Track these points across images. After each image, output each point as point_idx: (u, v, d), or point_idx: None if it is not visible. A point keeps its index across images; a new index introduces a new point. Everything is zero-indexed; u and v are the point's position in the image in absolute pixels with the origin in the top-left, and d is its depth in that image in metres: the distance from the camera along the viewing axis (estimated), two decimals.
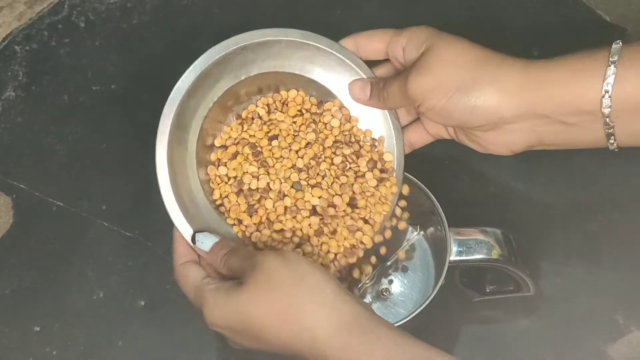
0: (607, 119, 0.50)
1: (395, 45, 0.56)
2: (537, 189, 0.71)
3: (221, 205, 0.58)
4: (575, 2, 0.79)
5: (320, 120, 0.59)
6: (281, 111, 0.60)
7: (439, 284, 0.58)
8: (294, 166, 0.58)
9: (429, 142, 0.60)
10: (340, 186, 0.58)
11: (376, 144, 0.60)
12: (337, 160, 0.58)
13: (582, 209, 0.71)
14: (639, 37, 0.77)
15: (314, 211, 0.57)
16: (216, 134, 0.59)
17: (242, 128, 0.59)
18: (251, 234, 0.57)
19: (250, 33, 0.57)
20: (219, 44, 0.56)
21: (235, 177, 0.58)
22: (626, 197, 0.71)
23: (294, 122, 0.59)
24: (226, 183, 0.58)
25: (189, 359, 0.67)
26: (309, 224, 0.57)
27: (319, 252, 0.57)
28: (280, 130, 0.59)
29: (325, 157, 0.59)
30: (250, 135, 0.59)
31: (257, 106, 0.60)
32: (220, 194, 0.58)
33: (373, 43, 0.58)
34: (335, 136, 0.59)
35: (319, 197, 0.58)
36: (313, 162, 0.58)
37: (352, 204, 0.58)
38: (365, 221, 0.58)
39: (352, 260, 0.58)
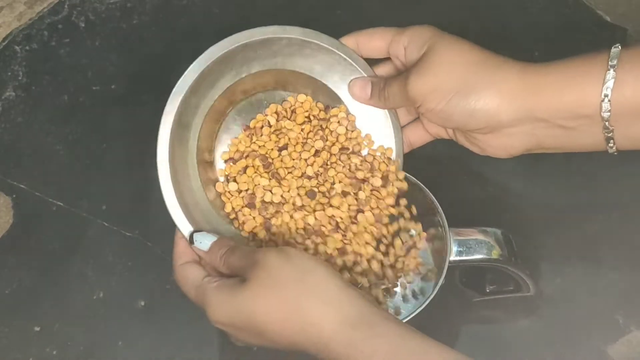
0: (607, 123, 0.50)
1: (397, 45, 0.56)
2: (537, 189, 0.71)
3: (235, 218, 0.58)
4: (576, 2, 0.79)
5: (327, 127, 0.59)
6: (289, 118, 0.60)
7: (439, 284, 0.58)
8: (303, 174, 0.58)
9: (428, 141, 0.61)
10: (356, 200, 0.58)
11: (390, 160, 0.59)
12: (345, 169, 0.58)
13: (582, 209, 0.71)
14: (639, 37, 0.77)
15: (336, 227, 0.57)
16: (215, 135, 0.59)
17: (251, 139, 0.59)
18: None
19: (251, 31, 0.57)
20: (220, 42, 0.56)
21: (246, 190, 0.58)
22: (626, 197, 0.71)
23: (302, 130, 0.59)
24: (237, 196, 0.58)
25: (188, 359, 0.67)
26: (333, 243, 0.57)
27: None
28: (289, 139, 0.59)
29: (331, 163, 0.59)
30: (259, 146, 0.59)
31: (266, 115, 0.60)
32: (233, 207, 0.58)
33: (374, 41, 0.58)
34: (342, 143, 0.59)
35: (336, 214, 0.57)
36: (322, 170, 0.58)
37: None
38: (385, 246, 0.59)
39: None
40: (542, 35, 0.78)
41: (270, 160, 0.58)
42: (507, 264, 0.60)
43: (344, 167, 0.59)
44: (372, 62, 0.59)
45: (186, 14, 0.82)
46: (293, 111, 0.60)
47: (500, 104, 0.52)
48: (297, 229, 0.57)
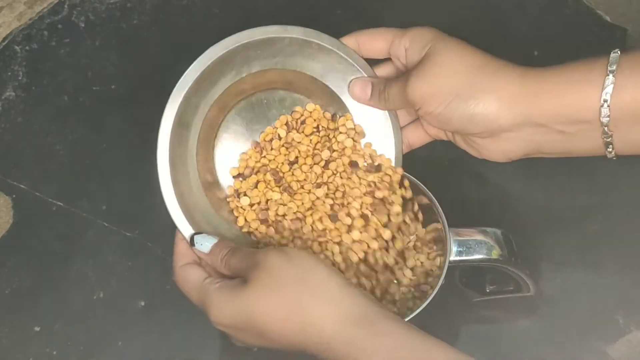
0: (606, 128, 0.50)
1: (398, 46, 0.56)
2: (537, 189, 0.71)
3: (250, 233, 0.58)
4: (576, 2, 0.79)
5: (334, 137, 0.59)
6: (298, 130, 0.60)
7: (439, 284, 0.58)
8: (315, 184, 0.58)
9: (427, 142, 0.61)
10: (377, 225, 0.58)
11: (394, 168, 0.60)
12: (362, 189, 0.58)
13: (582, 209, 0.71)
14: (639, 37, 0.77)
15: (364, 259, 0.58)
16: (215, 135, 0.59)
17: (261, 154, 0.59)
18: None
19: (253, 30, 0.57)
20: (221, 42, 0.56)
21: (258, 203, 0.58)
22: (626, 197, 0.71)
23: (310, 141, 0.59)
24: (250, 210, 0.58)
25: (188, 359, 0.67)
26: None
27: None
28: (299, 152, 0.59)
29: (340, 172, 0.59)
30: (269, 161, 0.59)
31: (276, 127, 0.60)
32: (247, 220, 0.58)
33: (375, 42, 0.58)
34: (349, 156, 0.59)
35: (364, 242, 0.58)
36: (332, 179, 0.58)
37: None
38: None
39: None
40: (542, 35, 0.78)
41: (281, 175, 0.59)
42: (507, 264, 0.60)
43: (360, 184, 0.58)
44: (372, 62, 0.59)
45: (186, 14, 0.82)
46: (302, 122, 0.60)
47: (499, 108, 0.52)
48: (321, 243, 0.57)
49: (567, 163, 0.71)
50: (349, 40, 0.59)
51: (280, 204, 0.58)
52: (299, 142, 0.59)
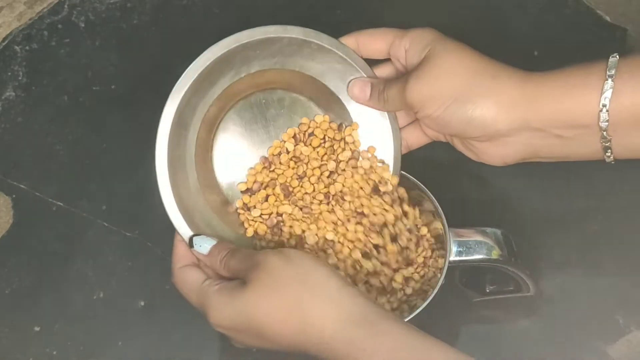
0: (605, 133, 0.50)
1: (398, 47, 0.56)
2: (537, 189, 0.71)
3: (261, 241, 0.59)
4: (576, 2, 0.79)
5: (339, 147, 0.60)
6: (305, 143, 0.60)
7: (439, 284, 0.58)
8: (325, 195, 0.59)
9: (426, 143, 0.61)
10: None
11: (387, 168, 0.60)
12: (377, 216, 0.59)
13: (582, 209, 0.71)
14: (639, 37, 0.77)
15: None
16: (213, 134, 0.59)
17: (269, 169, 0.59)
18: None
19: (252, 30, 0.57)
20: (220, 42, 0.56)
21: (269, 214, 0.59)
22: (626, 197, 0.71)
23: (318, 153, 0.60)
24: (260, 222, 0.59)
25: (188, 359, 0.67)
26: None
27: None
28: (306, 165, 0.59)
29: (357, 193, 0.59)
30: (278, 175, 0.59)
31: (284, 141, 0.60)
32: (257, 232, 0.58)
33: (375, 42, 0.58)
34: (367, 180, 0.60)
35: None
36: (339, 195, 0.59)
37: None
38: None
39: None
40: (542, 35, 0.78)
41: (291, 189, 0.59)
42: (507, 264, 0.60)
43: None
44: (371, 62, 0.59)
45: (186, 14, 0.82)
46: (310, 134, 0.60)
47: (497, 113, 0.52)
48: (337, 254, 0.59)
49: (567, 164, 0.71)
50: (349, 40, 0.58)
51: (294, 220, 0.58)
52: (307, 156, 0.59)
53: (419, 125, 0.60)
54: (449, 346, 0.47)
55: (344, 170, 0.59)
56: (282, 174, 0.59)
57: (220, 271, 0.53)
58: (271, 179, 0.59)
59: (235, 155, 0.60)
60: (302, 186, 0.59)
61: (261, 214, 0.58)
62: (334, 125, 0.60)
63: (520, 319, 0.67)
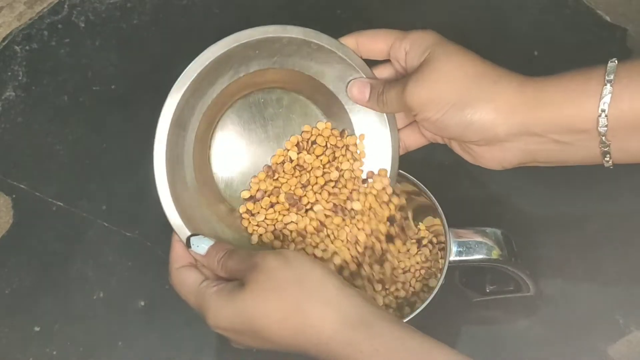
0: (603, 138, 0.50)
1: (399, 49, 0.56)
2: (537, 189, 0.71)
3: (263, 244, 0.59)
4: (576, 2, 0.79)
5: (341, 154, 0.60)
6: (308, 151, 0.60)
7: (439, 284, 0.58)
8: (335, 206, 0.59)
9: (423, 144, 0.61)
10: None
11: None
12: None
13: (582, 209, 0.71)
14: (639, 37, 0.77)
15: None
16: (210, 133, 0.59)
17: (272, 177, 0.59)
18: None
19: (252, 30, 0.56)
20: (220, 41, 0.56)
21: (275, 222, 0.59)
22: (627, 197, 0.71)
23: (321, 161, 0.60)
24: (266, 230, 0.59)
25: (188, 359, 0.67)
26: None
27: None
28: (310, 174, 0.59)
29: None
30: (282, 184, 0.59)
31: (287, 149, 0.60)
32: (260, 236, 0.59)
33: (375, 43, 0.58)
34: (387, 210, 0.60)
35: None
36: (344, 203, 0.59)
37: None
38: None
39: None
40: (542, 35, 0.78)
41: (296, 198, 0.59)
42: (507, 264, 0.60)
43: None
44: (371, 63, 0.59)
45: (186, 14, 0.82)
46: (313, 142, 0.60)
47: (496, 118, 0.52)
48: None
49: None
50: (349, 40, 0.58)
51: (305, 235, 0.59)
52: (309, 164, 0.59)
53: (417, 127, 0.60)
54: (448, 347, 0.47)
55: (347, 180, 0.60)
56: (286, 182, 0.59)
57: (217, 272, 0.53)
58: (275, 187, 0.59)
59: (233, 155, 0.60)
60: (306, 195, 0.59)
61: (265, 217, 0.59)
62: (336, 132, 0.60)
63: (520, 319, 0.67)
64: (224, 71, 0.57)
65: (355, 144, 0.60)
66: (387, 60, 0.59)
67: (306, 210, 0.59)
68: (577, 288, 0.68)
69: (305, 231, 0.58)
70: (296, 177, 0.59)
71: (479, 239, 0.59)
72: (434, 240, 0.63)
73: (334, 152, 0.60)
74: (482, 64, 0.53)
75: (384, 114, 0.59)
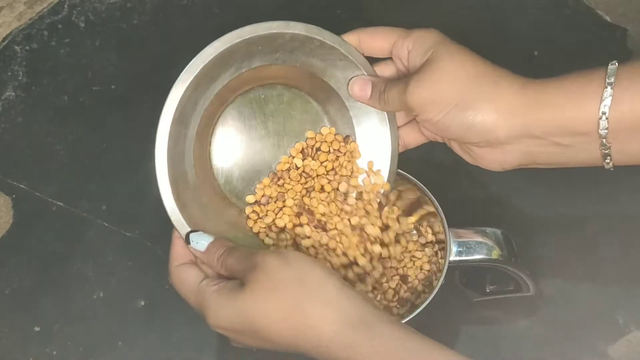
0: (604, 140, 0.50)
1: (401, 47, 0.56)
2: (537, 189, 0.71)
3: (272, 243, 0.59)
4: (576, 2, 0.79)
5: (345, 160, 0.60)
6: (313, 158, 0.60)
7: (439, 284, 0.58)
8: (340, 210, 0.59)
9: (423, 142, 0.61)
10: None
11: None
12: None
13: (582, 209, 0.71)
14: (639, 37, 0.77)
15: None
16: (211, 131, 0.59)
17: (277, 183, 0.59)
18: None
19: (255, 26, 0.56)
20: (223, 37, 0.56)
21: (284, 228, 0.59)
22: (627, 197, 0.71)
23: (325, 167, 0.60)
24: (278, 240, 0.59)
25: (188, 359, 0.67)
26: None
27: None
28: (315, 180, 0.59)
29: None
30: (287, 190, 0.59)
31: (292, 156, 0.60)
32: (268, 236, 0.59)
33: (377, 41, 0.58)
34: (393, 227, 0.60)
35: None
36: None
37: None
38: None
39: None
40: (542, 35, 0.78)
41: (307, 208, 0.59)
42: (507, 264, 0.60)
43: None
44: (372, 60, 0.59)
45: (186, 14, 0.82)
46: (317, 149, 0.60)
47: (496, 119, 0.52)
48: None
49: None
50: (351, 37, 0.58)
51: (319, 246, 0.59)
52: (314, 170, 0.59)
53: (416, 125, 0.60)
54: (447, 348, 0.47)
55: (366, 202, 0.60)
56: (292, 189, 0.59)
57: (217, 269, 0.53)
58: (279, 192, 0.59)
59: (233, 150, 0.60)
60: (311, 202, 0.59)
61: (274, 220, 0.59)
62: (340, 138, 0.60)
63: (520, 319, 0.67)
64: (226, 67, 0.57)
65: (359, 151, 0.60)
66: (388, 58, 0.59)
67: (323, 229, 0.59)
68: (577, 288, 0.68)
69: (320, 244, 0.59)
70: (301, 183, 0.59)
71: (479, 239, 0.59)
72: (434, 239, 0.63)
73: (337, 157, 0.60)
74: (483, 65, 0.53)
75: (385, 112, 0.59)
